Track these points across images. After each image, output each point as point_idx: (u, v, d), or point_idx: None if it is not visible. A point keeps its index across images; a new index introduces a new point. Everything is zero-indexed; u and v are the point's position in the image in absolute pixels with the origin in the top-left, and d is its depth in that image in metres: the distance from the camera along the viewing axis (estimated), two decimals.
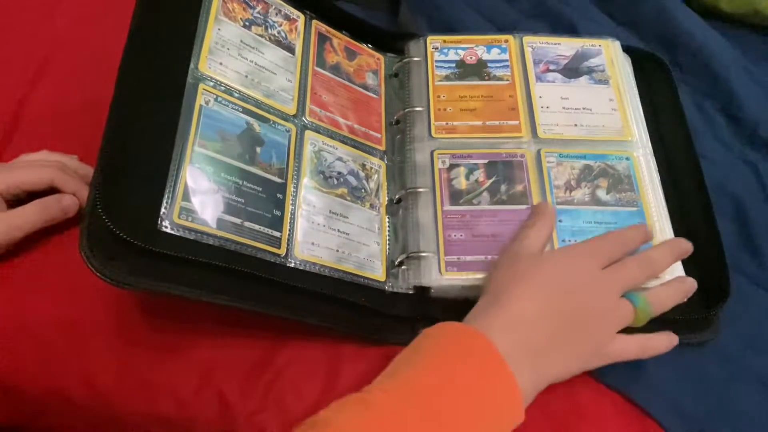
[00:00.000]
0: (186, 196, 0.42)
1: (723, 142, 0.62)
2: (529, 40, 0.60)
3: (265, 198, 0.46)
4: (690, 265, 0.50)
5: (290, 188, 0.48)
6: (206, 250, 0.42)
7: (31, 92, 0.56)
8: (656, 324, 0.49)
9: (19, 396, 0.46)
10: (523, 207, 0.51)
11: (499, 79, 0.58)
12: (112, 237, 0.38)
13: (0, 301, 0.47)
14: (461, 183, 0.52)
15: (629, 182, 0.52)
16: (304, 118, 0.52)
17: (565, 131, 0.55)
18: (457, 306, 0.49)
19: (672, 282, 0.46)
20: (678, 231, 0.52)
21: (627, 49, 0.62)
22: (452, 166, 0.52)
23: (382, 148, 0.56)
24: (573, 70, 0.58)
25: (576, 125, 0.56)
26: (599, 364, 0.44)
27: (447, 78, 0.58)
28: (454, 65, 0.59)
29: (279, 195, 0.47)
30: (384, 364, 0.45)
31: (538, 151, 0.54)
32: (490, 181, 0.52)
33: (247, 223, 0.44)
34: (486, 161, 0.53)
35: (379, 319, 0.48)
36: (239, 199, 0.44)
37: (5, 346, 0.46)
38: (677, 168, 0.56)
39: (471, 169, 0.53)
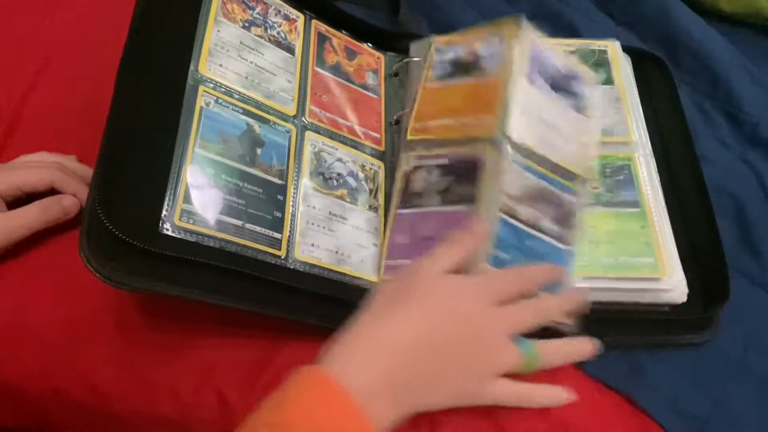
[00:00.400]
0: (187, 198, 0.42)
1: (723, 142, 0.62)
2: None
3: (265, 200, 0.46)
4: (690, 265, 0.50)
5: (290, 189, 0.48)
6: (206, 251, 0.42)
7: (30, 93, 0.56)
8: (656, 324, 0.49)
9: (19, 396, 0.46)
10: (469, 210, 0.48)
11: (488, 74, 0.57)
12: (111, 238, 0.38)
13: (0, 301, 0.47)
14: (418, 185, 0.50)
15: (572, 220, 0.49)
16: (304, 119, 0.52)
17: (535, 143, 0.51)
18: None
19: (572, 340, 0.44)
20: (678, 231, 0.52)
21: (627, 49, 0.62)
22: (415, 168, 0.51)
23: (382, 148, 0.56)
24: (559, 85, 0.53)
25: (547, 141, 0.52)
26: (477, 403, 0.41)
27: (440, 78, 0.57)
28: (450, 65, 0.58)
29: (279, 196, 0.47)
30: None
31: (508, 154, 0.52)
32: (445, 182, 0.49)
33: (248, 225, 0.44)
34: (446, 162, 0.50)
35: None
36: (240, 201, 0.45)
37: (5, 346, 0.46)
38: (677, 168, 0.56)
39: (429, 171, 0.50)
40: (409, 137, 0.53)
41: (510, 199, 0.46)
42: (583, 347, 0.44)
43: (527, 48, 0.53)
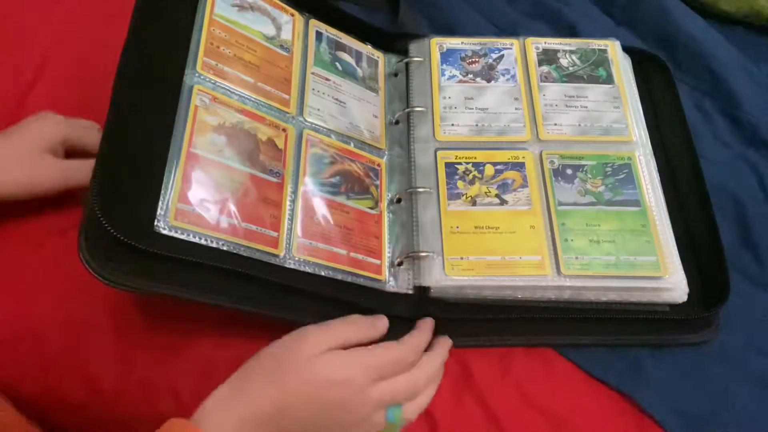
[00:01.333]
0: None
1: (723, 142, 0.62)
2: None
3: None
4: (690, 265, 0.50)
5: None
6: (203, 251, 0.42)
7: (29, 93, 0.56)
8: (656, 324, 0.49)
9: (19, 396, 0.46)
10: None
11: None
12: (109, 239, 0.38)
13: (0, 302, 0.47)
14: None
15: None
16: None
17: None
18: (456, 306, 0.49)
19: (431, 389, 0.44)
20: (678, 231, 0.52)
21: (627, 49, 0.62)
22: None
23: (382, 147, 0.56)
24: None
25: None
26: None
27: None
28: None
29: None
30: None
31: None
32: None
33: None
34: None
35: None
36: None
37: (6, 346, 0.46)
38: (677, 168, 0.56)
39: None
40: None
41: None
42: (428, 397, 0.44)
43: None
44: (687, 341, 0.49)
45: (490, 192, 0.52)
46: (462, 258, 0.49)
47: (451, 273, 0.48)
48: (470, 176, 0.53)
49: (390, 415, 0.41)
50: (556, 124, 0.56)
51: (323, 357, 0.40)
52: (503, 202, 0.52)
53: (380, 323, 0.45)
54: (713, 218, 0.52)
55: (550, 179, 0.53)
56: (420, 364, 0.44)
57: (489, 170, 0.53)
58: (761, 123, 0.62)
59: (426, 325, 0.47)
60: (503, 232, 0.50)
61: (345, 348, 0.41)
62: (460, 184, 0.52)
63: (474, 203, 0.52)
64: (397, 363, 0.42)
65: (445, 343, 0.47)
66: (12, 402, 0.46)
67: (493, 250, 0.49)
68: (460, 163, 0.53)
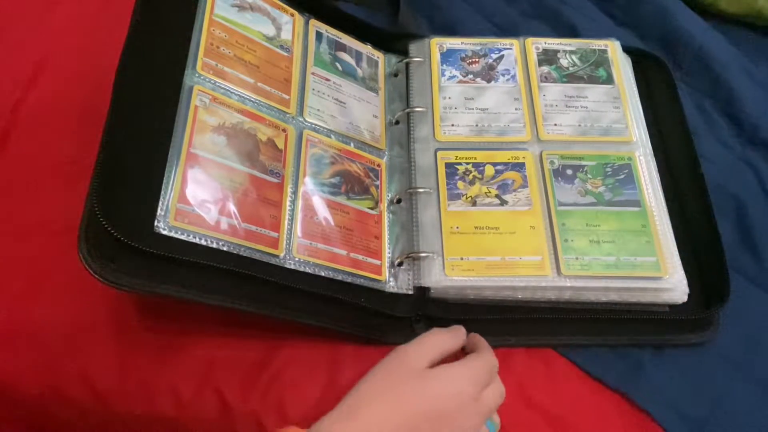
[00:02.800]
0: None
1: (723, 142, 0.62)
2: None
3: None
4: (690, 265, 0.50)
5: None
6: (203, 252, 0.42)
7: (28, 93, 0.56)
8: (656, 324, 0.49)
9: (19, 395, 0.46)
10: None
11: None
12: (109, 239, 0.38)
13: (0, 302, 0.47)
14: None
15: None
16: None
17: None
18: (457, 306, 0.49)
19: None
20: (678, 231, 0.52)
21: (627, 49, 0.62)
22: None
23: (382, 147, 0.56)
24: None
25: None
26: None
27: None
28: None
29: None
30: None
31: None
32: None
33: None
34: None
35: (379, 319, 0.48)
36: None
37: (5, 346, 0.46)
38: (677, 168, 0.56)
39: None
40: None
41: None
42: None
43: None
44: (687, 341, 0.49)
45: (490, 192, 0.52)
46: (462, 258, 0.49)
47: (451, 273, 0.48)
48: (470, 176, 0.53)
49: (490, 428, 0.43)
50: (556, 125, 0.56)
51: (431, 372, 0.41)
52: (503, 202, 0.52)
53: (460, 332, 0.46)
54: (713, 218, 0.52)
55: (550, 179, 0.53)
56: (497, 380, 0.44)
57: (489, 170, 0.53)
58: (761, 123, 0.62)
59: (484, 342, 0.46)
60: (503, 233, 0.50)
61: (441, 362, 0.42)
62: (460, 184, 0.52)
63: (474, 203, 0.52)
64: (490, 371, 0.43)
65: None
66: (12, 402, 0.46)
67: (493, 250, 0.49)
68: (460, 164, 0.53)
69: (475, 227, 0.51)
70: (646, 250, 0.49)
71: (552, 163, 0.54)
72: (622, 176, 0.53)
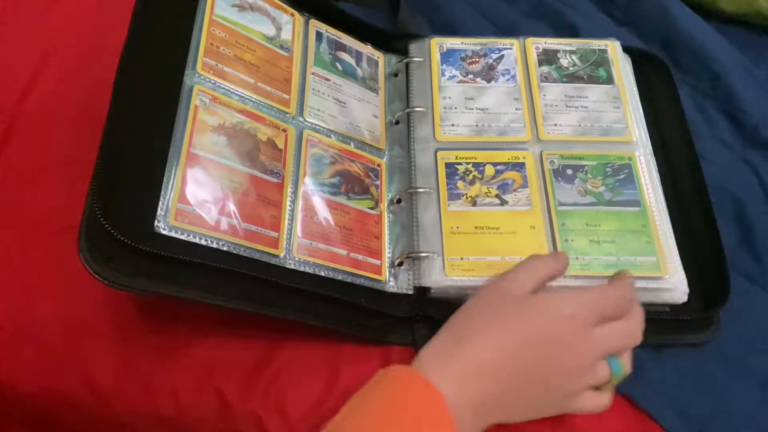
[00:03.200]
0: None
1: (723, 142, 0.62)
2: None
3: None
4: (690, 265, 0.50)
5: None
6: (203, 251, 0.42)
7: (28, 93, 0.56)
8: (656, 324, 0.49)
9: (19, 395, 0.46)
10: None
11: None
12: (109, 239, 0.38)
13: (0, 302, 0.47)
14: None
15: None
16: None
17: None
18: (457, 306, 0.49)
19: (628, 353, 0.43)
20: (678, 231, 0.52)
21: (627, 49, 0.62)
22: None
23: (382, 147, 0.56)
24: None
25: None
26: (554, 414, 0.42)
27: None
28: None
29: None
30: (384, 364, 0.45)
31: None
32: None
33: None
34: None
35: (379, 319, 0.48)
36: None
37: (5, 346, 0.46)
38: (677, 168, 0.56)
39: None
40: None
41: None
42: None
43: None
44: (687, 341, 0.49)
45: (490, 192, 0.52)
46: (462, 258, 0.49)
47: (451, 273, 0.48)
48: (470, 176, 0.53)
49: (613, 366, 0.40)
50: (556, 125, 0.56)
51: (537, 297, 0.39)
52: (503, 202, 0.52)
53: (562, 255, 0.44)
54: (713, 218, 0.52)
55: (550, 179, 0.53)
56: (632, 315, 0.41)
57: (489, 170, 0.53)
58: (761, 123, 0.62)
59: (627, 281, 0.43)
60: (503, 233, 0.50)
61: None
62: (460, 184, 0.52)
63: (474, 203, 0.52)
64: (616, 305, 0.41)
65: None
66: (12, 402, 0.46)
67: (493, 250, 0.49)
68: (460, 164, 0.53)
69: (476, 227, 0.51)
70: (647, 250, 0.49)
71: (552, 163, 0.54)
72: (622, 176, 0.53)
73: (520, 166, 0.53)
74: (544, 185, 0.53)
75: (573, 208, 0.52)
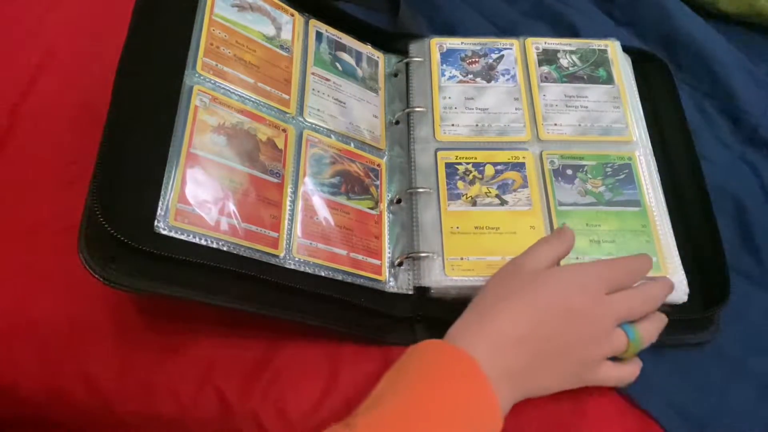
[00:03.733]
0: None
1: (723, 142, 0.62)
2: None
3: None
4: (690, 265, 0.50)
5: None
6: (203, 252, 0.42)
7: (28, 93, 0.56)
8: None
9: (19, 396, 0.46)
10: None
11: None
12: (109, 239, 0.38)
13: (0, 302, 0.47)
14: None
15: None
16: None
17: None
18: (457, 306, 0.49)
19: (656, 319, 0.45)
20: (678, 231, 0.52)
21: (627, 49, 0.62)
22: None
23: (382, 147, 0.56)
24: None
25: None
26: (578, 385, 0.43)
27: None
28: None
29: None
30: (384, 364, 0.45)
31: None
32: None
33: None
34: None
35: (379, 319, 0.48)
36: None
37: (5, 346, 0.46)
38: (677, 168, 0.56)
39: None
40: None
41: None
42: (664, 321, 0.45)
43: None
44: (687, 341, 0.49)
45: (490, 192, 0.52)
46: (462, 258, 0.49)
47: (451, 273, 0.48)
48: (470, 176, 0.53)
49: (629, 331, 0.42)
50: (556, 124, 0.56)
51: (553, 270, 0.43)
52: (503, 202, 0.52)
53: (568, 231, 0.46)
54: (713, 218, 0.52)
55: (550, 179, 0.53)
56: (646, 284, 0.44)
57: (489, 170, 0.53)
58: (761, 123, 0.62)
59: (643, 257, 0.46)
60: (503, 233, 0.50)
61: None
62: (460, 184, 0.52)
63: (474, 203, 0.52)
64: (628, 273, 0.44)
65: (664, 281, 0.46)
66: (12, 402, 0.46)
67: (493, 250, 0.49)
68: (460, 164, 0.53)
69: (475, 227, 0.51)
70: (647, 250, 0.49)
71: (552, 163, 0.54)
72: (622, 176, 0.53)
73: (520, 166, 0.53)
74: (544, 185, 0.53)
75: (573, 208, 0.52)
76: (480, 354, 0.38)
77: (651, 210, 0.52)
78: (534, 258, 0.44)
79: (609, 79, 0.59)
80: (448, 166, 0.53)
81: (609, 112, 0.57)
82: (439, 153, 0.54)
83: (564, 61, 0.59)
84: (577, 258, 0.49)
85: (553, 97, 0.57)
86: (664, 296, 0.45)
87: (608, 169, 0.53)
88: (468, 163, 0.53)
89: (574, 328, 0.41)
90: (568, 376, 0.42)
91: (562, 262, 0.46)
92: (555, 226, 0.51)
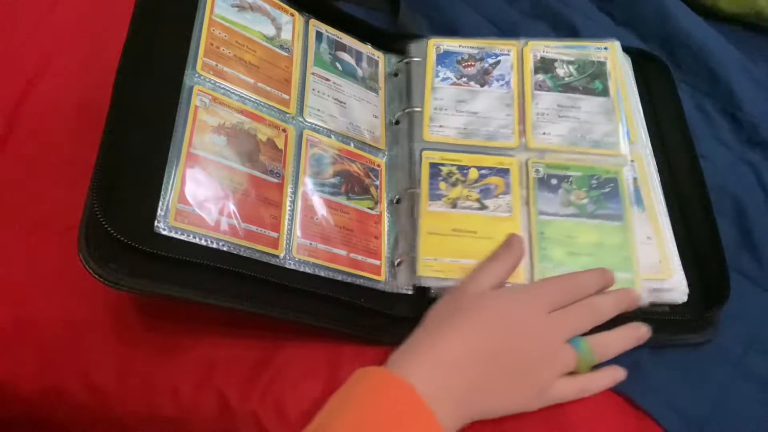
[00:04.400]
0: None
1: (723, 142, 0.62)
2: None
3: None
4: (690, 265, 0.50)
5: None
6: (203, 252, 0.42)
7: (28, 93, 0.56)
8: (655, 324, 0.49)
9: (19, 396, 0.46)
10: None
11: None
12: (109, 239, 0.38)
13: (0, 302, 0.47)
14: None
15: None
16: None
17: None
18: None
19: (623, 329, 0.45)
20: (678, 231, 0.52)
21: (627, 49, 0.62)
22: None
23: (382, 147, 0.56)
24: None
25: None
26: (537, 406, 0.43)
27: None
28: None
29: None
30: (383, 364, 0.45)
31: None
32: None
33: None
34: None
35: (379, 319, 0.48)
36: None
37: (5, 346, 0.46)
38: (677, 168, 0.56)
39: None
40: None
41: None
42: (641, 331, 0.45)
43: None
44: (687, 341, 0.49)
45: (471, 196, 0.52)
46: (436, 259, 0.49)
47: (422, 273, 0.48)
48: (453, 178, 0.53)
49: (577, 345, 0.42)
50: (545, 133, 0.55)
51: (496, 292, 0.43)
52: (483, 207, 0.51)
53: (515, 241, 0.47)
54: (713, 218, 0.52)
55: (533, 188, 0.52)
56: (593, 301, 0.44)
57: (473, 174, 0.53)
58: (761, 123, 0.62)
59: (599, 272, 0.46)
60: (481, 237, 0.50)
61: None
62: (442, 185, 0.52)
63: (454, 206, 0.51)
64: (569, 289, 0.44)
65: (624, 292, 0.46)
66: (12, 402, 0.46)
67: (469, 253, 0.49)
68: (444, 165, 0.53)
69: (453, 229, 0.50)
70: (624, 267, 0.48)
71: (537, 171, 0.53)
72: (608, 190, 0.52)
73: (504, 172, 0.53)
74: (527, 193, 0.52)
75: (554, 218, 0.51)
76: (419, 377, 0.38)
77: (651, 210, 0.51)
78: (479, 279, 0.44)
79: (604, 92, 0.57)
80: (432, 166, 0.53)
81: (601, 124, 0.55)
82: (424, 152, 0.54)
83: (560, 71, 0.59)
84: (555, 268, 0.49)
85: (545, 105, 0.56)
86: (618, 306, 0.45)
87: (593, 182, 0.52)
88: (452, 165, 0.53)
89: (518, 348, 0.41)
90: (523, 396, 0.42)
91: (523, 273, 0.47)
92: (534, 235, 0.50)
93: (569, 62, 0.59)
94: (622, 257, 0.49)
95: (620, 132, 0.55)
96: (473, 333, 0.40)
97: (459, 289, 0.44)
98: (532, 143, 0.54)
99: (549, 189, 0.52)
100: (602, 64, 0.59)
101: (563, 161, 0.54)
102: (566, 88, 0.58)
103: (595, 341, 0.44)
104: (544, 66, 0.59)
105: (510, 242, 0.47)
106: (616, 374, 0.45)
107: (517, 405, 0.42)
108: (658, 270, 0.49)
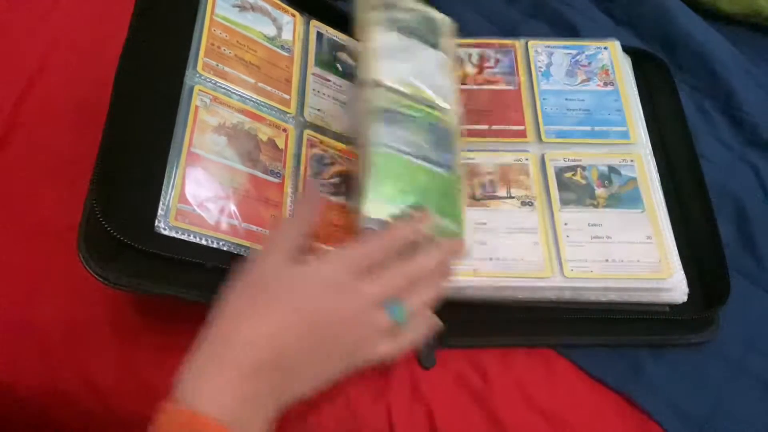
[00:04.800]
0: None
1: (723, 142, 0.62)
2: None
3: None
4: (690, 265, 0.50)
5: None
6: (204, 251, 0.42)
7: (28, 93, 0.56)
8: (656, 324, 0.50)
9: (19, 396, 0.46)
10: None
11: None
12: (109, 239, 0.38)
13: (0, 302, 0.47)
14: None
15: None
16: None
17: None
18: (456, 306, 0.49)
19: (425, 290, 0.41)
20: (678, 231, 0.52)
21: (627, 49, 0.62)
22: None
23: None
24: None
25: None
26: (359, 370, 0.40)
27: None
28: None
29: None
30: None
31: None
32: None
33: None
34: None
35: None
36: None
37: (5, 346, 0.46)
38: (677, 168, 0.56)
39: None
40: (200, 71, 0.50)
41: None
42: (450, 248, 0.42)
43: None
44: (687, 341, 0.49)
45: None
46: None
47: None
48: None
49: (391, 311, 0.39)
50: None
51: (294, 269, 0.38)
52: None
53: (302, 210, 0.42)
54: (713, 218, 0.52)
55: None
56: (412, 256, 0.40)
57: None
58: (761, 123, 0.62)
59: (402, 226, 0.42)
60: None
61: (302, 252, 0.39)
62: None
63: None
64: (378, 253, 0.39)
65: (447, 242, 0.43)
66: (12, 402, 0.46)
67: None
68: None
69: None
70: (452, 215, 0.47)
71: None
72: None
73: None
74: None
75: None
76: (226, 406, 0.34)
77: (653, 210, 0.52)
78: (272, 253, 0.39)
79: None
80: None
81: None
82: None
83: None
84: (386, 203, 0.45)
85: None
86: (442, 258, 0.42)
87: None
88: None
89: (330, 334, 0.37)
90: (336, 369, 0.39)
91: None
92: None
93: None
94: (449, 205, 0.47)
95: (631, 119, 0.56)
96: (277, 329, 0.36)
97: (254, 265, 0.38)
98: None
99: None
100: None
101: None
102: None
103: (411, 300, 0.40)
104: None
105: (299, 200, 0.42)
106: (432, 320, 0.42)
107: (332, 377, 0.39)
108: (658, 270, 0.49)
